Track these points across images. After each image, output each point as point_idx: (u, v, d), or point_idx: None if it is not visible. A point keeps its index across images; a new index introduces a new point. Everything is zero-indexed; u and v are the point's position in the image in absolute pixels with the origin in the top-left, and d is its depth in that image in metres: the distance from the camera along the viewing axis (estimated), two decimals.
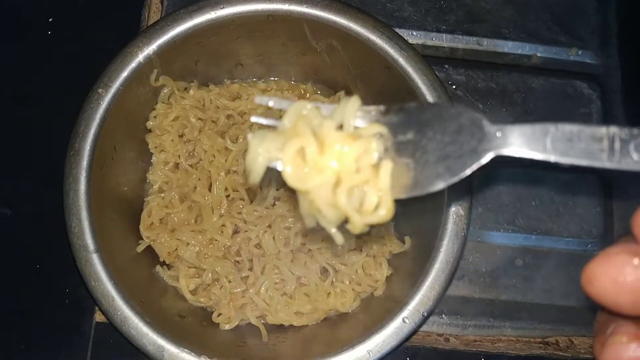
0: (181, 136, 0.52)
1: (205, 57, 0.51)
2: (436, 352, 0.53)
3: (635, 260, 0.21)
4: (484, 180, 0.58)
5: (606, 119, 0.61)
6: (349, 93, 0.54)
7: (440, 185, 0.28)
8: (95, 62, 0.47)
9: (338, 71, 0.52)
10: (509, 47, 0.62)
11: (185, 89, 0.52)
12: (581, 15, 0.63)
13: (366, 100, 0.50)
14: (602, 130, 0.24)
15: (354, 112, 0.29)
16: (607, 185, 0.59)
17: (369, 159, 0.28)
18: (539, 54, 0.62)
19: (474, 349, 0.54)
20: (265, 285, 0.49)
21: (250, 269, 0.50)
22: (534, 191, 0.58)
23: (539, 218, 0.58)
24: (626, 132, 0.24)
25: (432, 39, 0.61)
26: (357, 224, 0.28)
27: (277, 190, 0.51)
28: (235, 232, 0.50)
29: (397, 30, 0.58)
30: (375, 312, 0.48)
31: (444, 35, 0.61)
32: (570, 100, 0.62)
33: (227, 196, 0.50)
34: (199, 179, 0.51)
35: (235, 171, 0.51)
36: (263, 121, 0.33)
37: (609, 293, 0.22)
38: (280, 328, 0.50)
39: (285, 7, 0.47)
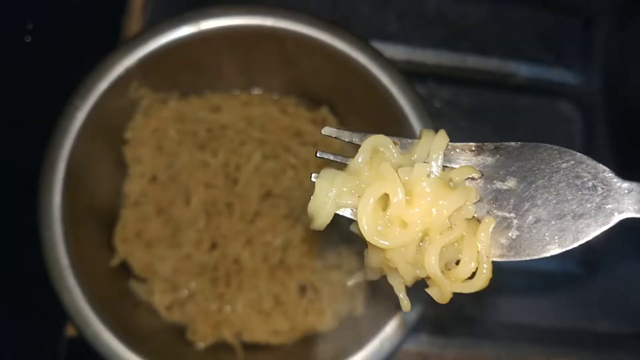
0: (159, 148, 0.52)
1: (186, 68, 0.52)
2: None
3: None
4: None
5: (587, 139, 0.64)
6: (332, 109, 0.55)
7: (554, 251, 0.25)
8: (74, 71, 0.48)
9: (322, 86, 0.54)
10: (493, 64, 0.64)
11: (165, 100, 0.53)
12: (566, 35, 0.65)
13: (349, 117, 0.55)
14: None
15: (442, 150, 0.24)
16: None
17: (465, 213, 0.24)
18: (523, 73, 0.64)
19: None
20: (242, 303, 0.50)
21: (227, 286, 0.50)
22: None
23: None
24: None
25: (417, 55, 0.63)
26: (446, 293, 0.24)
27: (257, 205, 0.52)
28: (213, 247, 0.51)
29: (382, 45, 0.61)
30: (353, 332, 0.49)
31: (428, 51, 0.63)
32: (553, 119, 0.64)
33: (206, 211, 0.51)
34: (177, 193, 0.51)
35: (214, 186, 0.52)
36: (330, 157, 0.27)
37: None
38: (256, 347, 0.50)
39: (269, 23, 0.48)
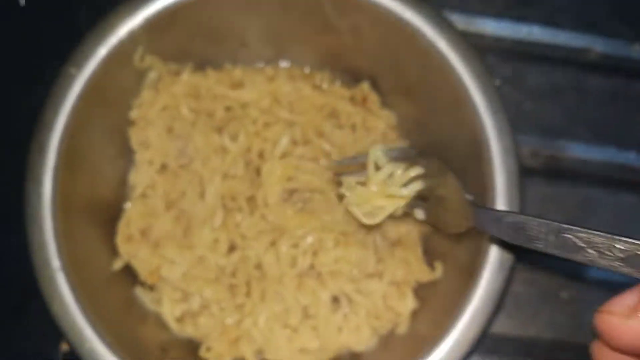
0: (170, 131, 0.47)
1: (202, 34, 0.47)
2: None
3: None
4: (532, 200, 0.53)
5: None
6: (374, 84, 0.50)
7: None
8: (71, 37, 0.43)
9: (363, 57, 0.48)
10: (563, 38, 0.57)
11: (177, 73, 0.48)
12: None
13: (395, 97, 0.49)
14: (544, 221, 0.31)
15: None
16: None
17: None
18: (597, 49, 0.57)
19: None
20: (265, 315, 0.45)
21: (248, 295, 0.46)
22: (584, 213, 0.54)
23: None
24: (562, 227, 0.30)
25: (475, 26, 0.56)
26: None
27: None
28: (232, 249, 0.46)
29: None
30: (396, 354, 0.45)
31: (489, 21, 0.56)
32: (631, 104, 0.57)
33: (223, 206, 0.46)
34: (190, 184, 0.46)
35: (233, 176, 0.47)
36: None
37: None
38: None
39: None
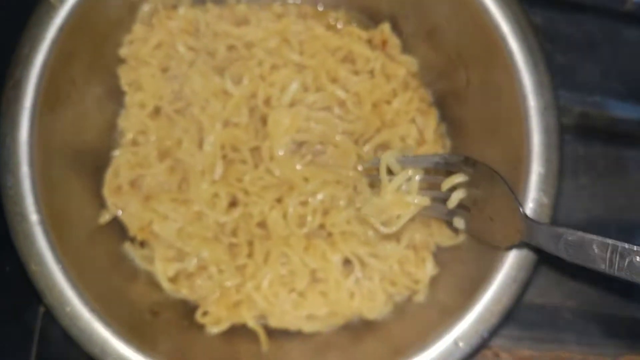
0: (165, 70, 0.46)
1: None
2: None
3: None
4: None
5: None
6: (395, 26, 0.47)
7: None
8: None
9: None
10: None
11: (174, 6, 0.46)
12: None
13: (416, 40, 0.46)
14: (608, 242, 0.30)
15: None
16: None
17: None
18: None
19: None
20: (269, 279, 0.43)
21: (250, 256, 0.44)
22: (616, 175, 0.52)
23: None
24: (626, 247, 0.30)
25: None
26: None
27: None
28: (232, 205, 0.44)
29: None
30: (413, 324, 0.43)
31: None
32: None
33: (224, 156, 0.44)
34: (187, 131, 0.44)
35: (236, 124, 0.44)
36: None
37: None
38: (284, 334, 0.45)
39: None
